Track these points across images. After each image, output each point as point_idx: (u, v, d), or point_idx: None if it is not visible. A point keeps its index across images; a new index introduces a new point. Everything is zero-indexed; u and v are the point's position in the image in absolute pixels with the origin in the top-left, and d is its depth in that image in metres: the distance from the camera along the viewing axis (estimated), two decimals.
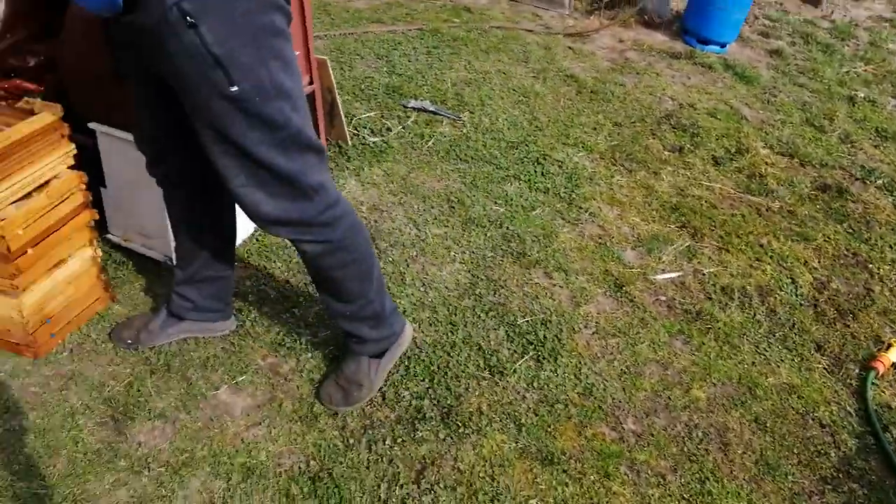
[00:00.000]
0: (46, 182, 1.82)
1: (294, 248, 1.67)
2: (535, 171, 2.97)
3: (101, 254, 2.05)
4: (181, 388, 1.89)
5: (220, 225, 1.89)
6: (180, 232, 1.86)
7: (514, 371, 2.05)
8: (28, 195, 1.81)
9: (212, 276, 1.94)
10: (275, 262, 2.36)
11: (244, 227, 2.34)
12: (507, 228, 2.63)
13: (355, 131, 3.11)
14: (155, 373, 1.91)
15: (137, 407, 1.82)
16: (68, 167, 1.88)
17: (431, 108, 3.32)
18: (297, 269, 2.33)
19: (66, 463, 1.67)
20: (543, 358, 2.10)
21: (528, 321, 2.22)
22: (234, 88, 1.32)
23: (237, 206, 1.57)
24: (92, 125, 2.12)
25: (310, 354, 2.04)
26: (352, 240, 1.65)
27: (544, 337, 2.17)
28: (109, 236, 2.30)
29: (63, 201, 1.86)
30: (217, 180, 1.74)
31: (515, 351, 2.12)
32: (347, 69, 3.62)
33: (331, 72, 2.72)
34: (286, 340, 2.08)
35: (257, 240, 2.45)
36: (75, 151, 1.89)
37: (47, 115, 1.77)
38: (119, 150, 2.14)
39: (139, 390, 1.86)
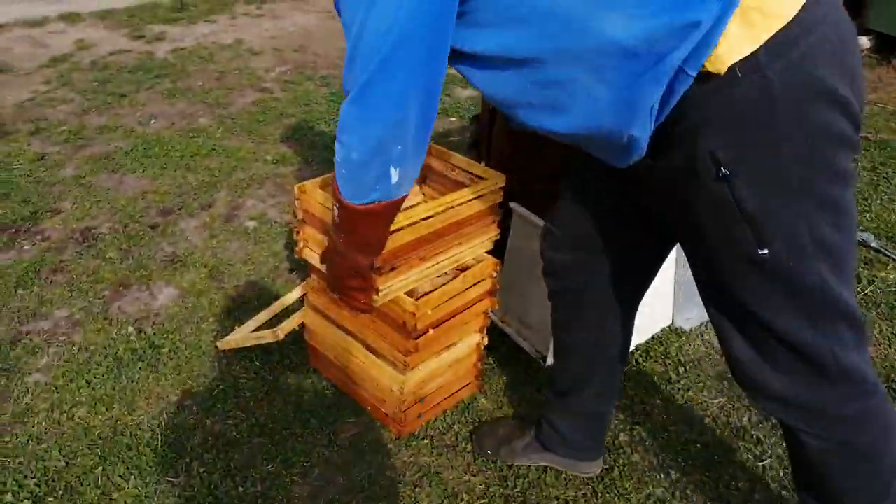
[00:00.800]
0: (466, 266, 1.73)
1: (783, 425, 1.29)
2: None
3: (486, 342, 1.91)
4: None
5: (613, 361, 1.60)
6: (564, 358, 1.62)
7: None
8: (444, 273, 1.73)
9: (589, 412, 1.67)
10: (655, 398, 2.01)
11: None
12: None
13: None
14: (509, 502, 1.68)
15: None
16: (486, 251, 1.77)
17: (873, 244, 2.67)
18: (679, 419, 1.95)
19: None
20: None
21: None
22: (763, 252, 1.06)
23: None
24: (513, 205, 2.02)
25: None
26: (877, 447, 1.26)
27: None
28: (489, 313, 2.18)
29: (474, 286, 1.75)
30: (627, 312, 1.51)
31: None
32: None
33: None
34: None
35: (636, 362, 2.12)
36: (498, 237, 1.77)
37: (490, 196, 1.68)
38: (528, 234, 2.01)
39: None
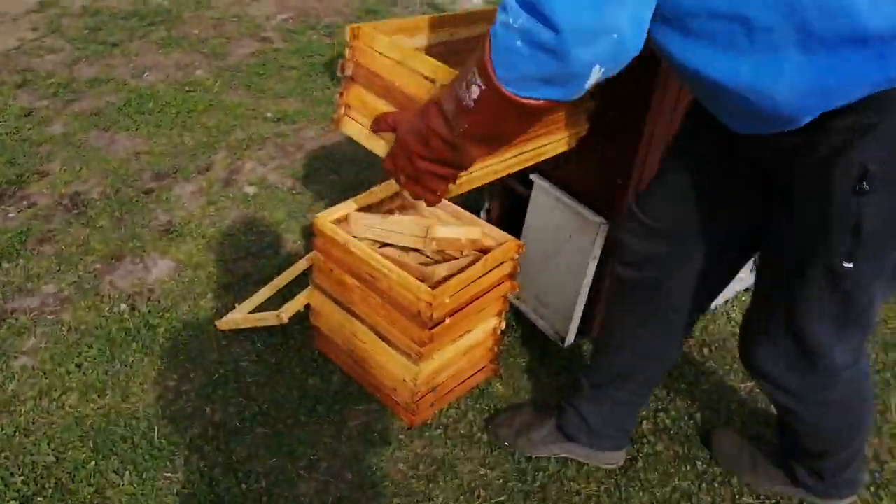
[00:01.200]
0: (486, 248, 1.59)
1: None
2: None
3: (503, 326, 1.79)
4: None
5: (666, 360, 1.51)
6: (613, 350, 1.51)
7: None
8: (462, 255, 1.60)
9: (625, 401, 1.57)
10: (679, 382, 1.90)
11: None
12: None
13: None
14: (528, 498, 1.59)
15: None
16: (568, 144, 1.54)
17: None
18: (705, 404, 1.84)
19: None
20: None
21: None
22: (847, 265, 1.03)
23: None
24: (533, 176, 1.88)
25: None
26: (832, 422, 1.39)
27: None
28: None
29: (494, 269, 1.61)
30: (696, 313, 1.43)
31: None
32: None
33: None
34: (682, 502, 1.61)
35: None
36: (585, 132, 1.55)
37: None
38: (549, 208, 1.87)
39: None
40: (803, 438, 1.45)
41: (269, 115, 2.97)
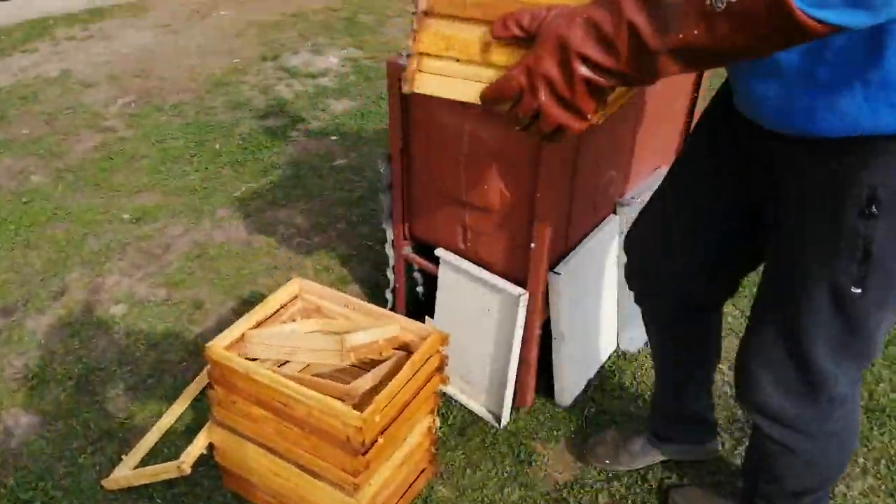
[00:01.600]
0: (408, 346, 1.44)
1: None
2: None
3: (438, 423, 1.63)
4: None
5: (706, 351, 1.58)
6: (658, 360, 1.62)
7: None
8: (385, 360, 1.43)
9: (691, 401, 1.64)
10: None
11: None
12: None
13: None
14: None
15: None
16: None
17: None
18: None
19: None
20: None
21: None
22: (856, 291, 1.02)
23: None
24: (440, 252, 1.76)
25: None
26: (824, 456, 1.31)
27: None
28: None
29: (422, 367, 1.46)
30: (712, 316, 1.49)
31: None
32: None
33: None
34: None
35: (593, 400, 1.92)
36: None
37: None
38: (459, 283, 1.77)
39: None
40: (789, 477, 1.37)
41: (125, 216, 2.66)
